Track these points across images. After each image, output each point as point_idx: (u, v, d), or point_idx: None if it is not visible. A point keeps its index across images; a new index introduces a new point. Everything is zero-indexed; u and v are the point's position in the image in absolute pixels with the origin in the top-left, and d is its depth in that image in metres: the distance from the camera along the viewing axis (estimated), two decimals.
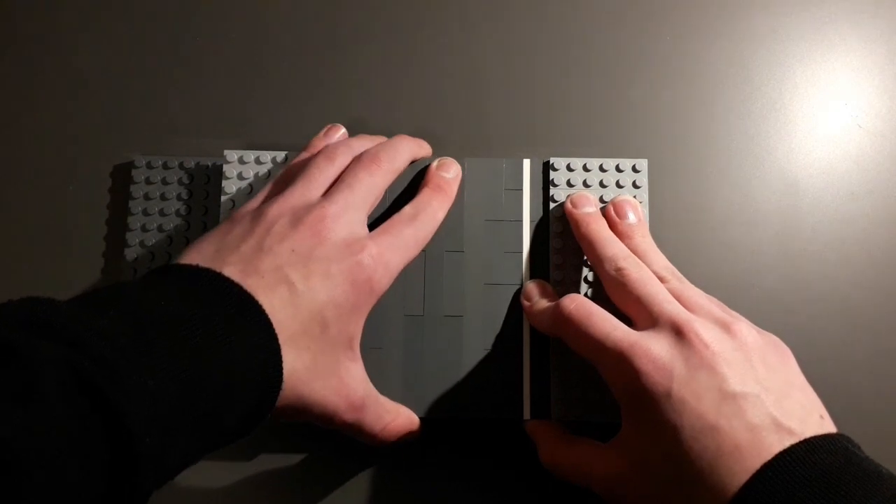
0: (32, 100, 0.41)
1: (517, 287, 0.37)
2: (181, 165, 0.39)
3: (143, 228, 0.38)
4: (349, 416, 0.30)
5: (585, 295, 0.36)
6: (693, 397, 0.27)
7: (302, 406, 0.28)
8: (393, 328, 0.36)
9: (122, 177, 0.40)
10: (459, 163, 0.38)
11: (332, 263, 0.29)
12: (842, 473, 0.24)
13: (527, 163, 0.38)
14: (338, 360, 0.29)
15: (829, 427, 0.27)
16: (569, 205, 0.36)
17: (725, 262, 0.39)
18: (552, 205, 0.37)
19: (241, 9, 0.43)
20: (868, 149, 0.41)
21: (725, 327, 0.29)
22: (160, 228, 0.38)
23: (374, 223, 0.33)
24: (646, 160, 0.38)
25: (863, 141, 0.41)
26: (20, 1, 0.42)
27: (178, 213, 0.38)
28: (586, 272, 0.36)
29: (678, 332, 0.29)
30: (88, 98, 0.41)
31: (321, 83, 0.41)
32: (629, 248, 0.34)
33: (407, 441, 0.34)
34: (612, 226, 0.35)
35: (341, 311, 0.28)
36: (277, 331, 0.26)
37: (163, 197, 0.38)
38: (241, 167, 0.37)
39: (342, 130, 0.37)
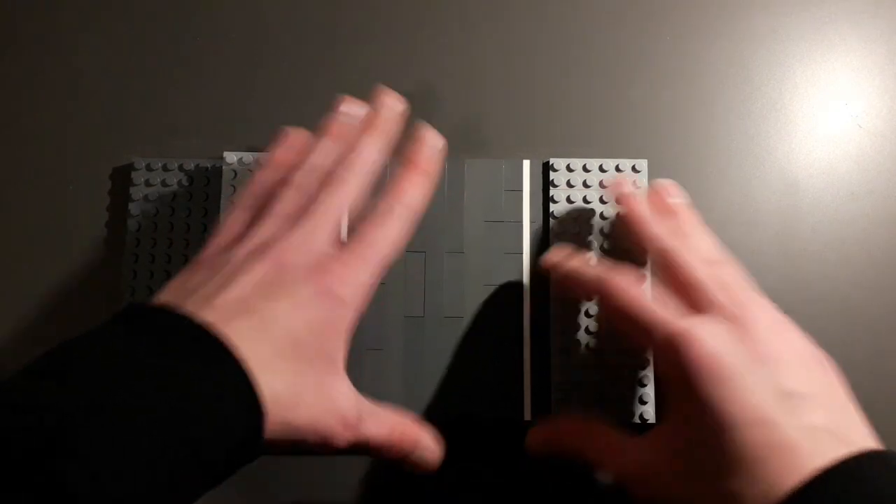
0: (32, 100, 0.41)
1: (517, 287, 0.37)
2: (181, 167, 0.39)
3: (143, 230, 0.38)
4: (349, 434, 0.28)
5: (586, 297, 0.36)
6: (747, 389, 0.27)
7: (294, 433, 0.27)
8: (393, 329, 0.36)
9: (121, 179, 0.40)
10: (459, 163, 0.38)
11: (298, 288, 0.28)
12: None
13: (526, 163, 0.38)
14: (321, 380, 0.28)
15: (878, 442, 0.27)
16: (609, 190, 0.36)
17: None
18: (552, 205, 0.37)
19: (241, 9, 0.42)
20: (868, 149, 0.41)
21: (780, 324, 0.29)
22: (160, 231, 0.38)
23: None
24: (646, 160, 0.38)
25: (863, 141, 0.41)
26: (20, 1, 0.42)
27: (177, 214, 0.38)
28: None
29: (733, 323, 0.28)
30: (88, 99, 0.41)
31: (321, 84, 0.41)
32: (675, 227, 0.33)
33: (428, 458, 0.32)
34: (656, 206, 0.34)
35: (314, 331, 0.27)
36: (249, 360, 0.25)
37: (162, 199, 0.38)
38: (241, 169, 0.37)
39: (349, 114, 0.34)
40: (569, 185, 0.38)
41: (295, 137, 0.33)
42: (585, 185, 0.38)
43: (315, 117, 0.41)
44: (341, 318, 0.28)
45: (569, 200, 0.37)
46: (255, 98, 0.41)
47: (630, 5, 0.43)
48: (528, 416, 0.36)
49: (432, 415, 0.35)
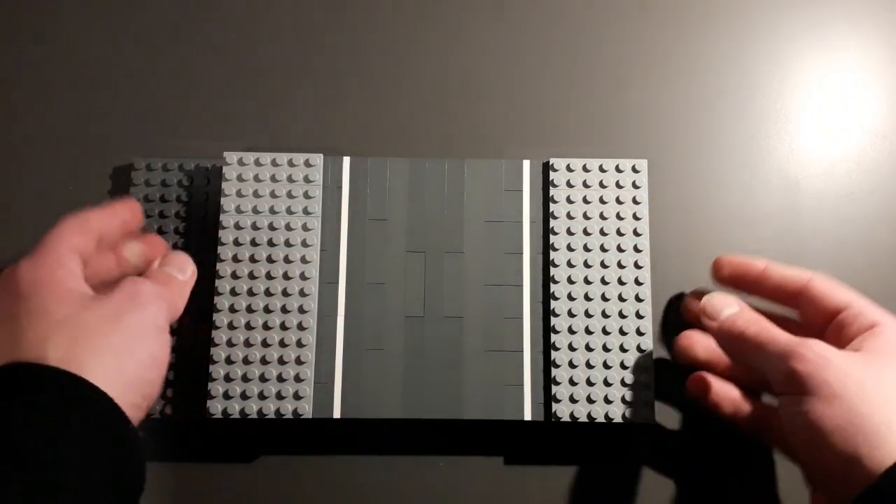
0: (32, 100, 0.41)
1: (517, 287, 0.37)
2: (181, 167, 0.39)
3: (143, 230, 0.38)
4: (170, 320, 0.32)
5: (587, 297, 0.36)
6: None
7: (151, 389, 0.29)
8: (393, 329, 0.36)
9: (121, 178, 0.40)
10: (459, 163, 0.38)
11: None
12: None
13: (526, 163, 0.38)
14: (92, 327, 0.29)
15: None
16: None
17: None
18: (552, 205, 0.37)
19: (242, 9, 0.42)
20: (868, 149, 0.41)
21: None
22: (160, 230, 0.38)
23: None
24: (646, 160, 0.38)
25: (863, 141, 0.41)
26: (20, 1, 0.42)
27: (177, 214, 0.38)
28: (588, 272, 0.36)
29: None
30: (88, 99, 0.41)
31: (321, 84, 0.41)
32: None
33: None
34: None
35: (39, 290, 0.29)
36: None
37: (162, 199, 0.38)
38: (241, 169, 0.37)
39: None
40: (569, 185, 0.38)
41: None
42: (585, 185, 0.38)
43: (315, 117, 0.41)
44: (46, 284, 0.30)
45: (569, 200, 0.37)
46: (255, 98, 0.41)
47: (630, 6, 0.43)
48: (528, 416, 0.36)
49: (432, 414, 0.35)
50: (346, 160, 0.38)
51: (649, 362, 0.36)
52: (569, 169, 0.38)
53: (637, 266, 0.37)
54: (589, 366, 0.36)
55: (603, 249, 0.37)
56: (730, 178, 0.40)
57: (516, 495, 0.37)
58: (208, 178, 0.39)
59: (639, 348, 0.36)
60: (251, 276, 0.36)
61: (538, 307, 0.37)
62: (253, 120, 0.41)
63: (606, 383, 0.35)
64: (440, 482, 0.37)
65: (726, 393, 0.35)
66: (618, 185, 0.37)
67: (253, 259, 0.36)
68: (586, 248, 0.37)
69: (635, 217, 0.37)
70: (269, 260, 0.36)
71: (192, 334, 0.37)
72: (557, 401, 0.35)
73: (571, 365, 0.36)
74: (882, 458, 0.26)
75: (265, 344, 0.35)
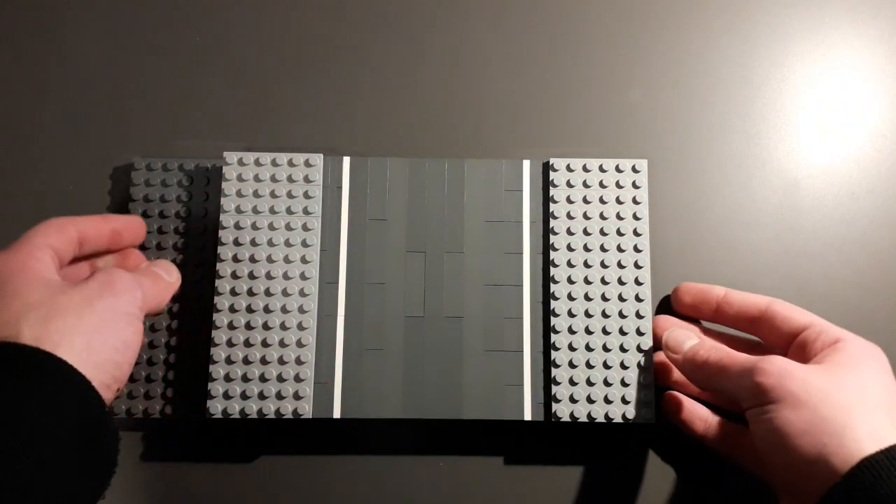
0: (32, 100, 0.41)
1: (517, 287, 0.37)
2: (181, 167, 0.39)
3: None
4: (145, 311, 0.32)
5: (587, 297, 0.36)
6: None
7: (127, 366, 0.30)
8: (393, 329, 0.36)
9: (121, 178, 0.40)
10: (459, 163, 0.38)
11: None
12: None
13: (526, 163, 0.38)
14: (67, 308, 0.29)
15: None
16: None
17: (725, 263, 0.39)
18: (552, 205, 0.37)
19: (241, 9, 0.42)
20: (868, 149, 0.41)
21: None
22: (160, 230, 0.38)
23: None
24: (646, 160, 0.38)
25: (863, 141, 0.41)
26: (20, 1, 0.42)
27: (177, 214, 0.38)
28: (588, 272, 0.36)
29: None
30: (88, 99, 0.41)
31: (321, 84, 0.41)
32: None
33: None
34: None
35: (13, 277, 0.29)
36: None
37: (162, 199, 0.38)
38: (241, 169, 0.37)
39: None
40: (569, 185, 0.38)
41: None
42: (585, 185, 0.38)
43: (315, 117, 0.41)
44: (24, 269, 0.31)
45: (569, 200, 0.37)
46: (255, 98, 0.41)
47: (630, 5, 0.43)
48: (528, 416, 0.36)
49: (432, 414, 0.35)
50: (346, 160, 0.38)
51: (649, 362, 0.36)
52: (569, 169, 0.38)
53: (637, 266, 0.37)
54: (589, 366, 0.36)
55: (603, 249, 0.37)
56: (730, 178, 0.40)
57: (516, 495, 0.37)
58: (208, 178, 0.39)
59: (639, 348, 0.36)
60: (251, 276, 0.36)
61: (538, 307, 0.37)
62: (253, 120, 0.41)
63: (606, 383, 0.35)
64: (440, 482, 0.37)
65: (697, 412, 0.36)
66: (618, 185, 0.37)
67: (253, 259, 0.36)
68: (586, 248, 0.37)
69: (635, 217, 0.37)
70: (269, 260, 0.36)
71: (192, 334, 0.37)
72: (557, 401, 0.35)
73: (571, 365, 0.36)
74: (846, 458, 0.27)
75: (265, 344, 0.35)
